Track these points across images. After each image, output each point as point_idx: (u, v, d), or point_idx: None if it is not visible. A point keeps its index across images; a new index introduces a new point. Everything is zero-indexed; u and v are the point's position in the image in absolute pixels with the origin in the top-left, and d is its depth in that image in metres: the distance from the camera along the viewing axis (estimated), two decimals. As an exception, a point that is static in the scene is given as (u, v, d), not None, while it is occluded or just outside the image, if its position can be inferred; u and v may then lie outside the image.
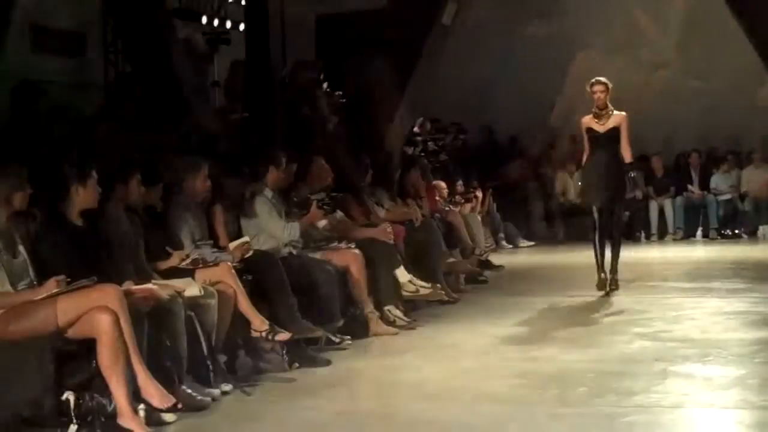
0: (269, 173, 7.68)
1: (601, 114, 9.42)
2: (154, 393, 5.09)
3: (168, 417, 5.19)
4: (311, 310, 7.10)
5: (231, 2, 15.45)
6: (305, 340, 6.84)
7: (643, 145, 16.79)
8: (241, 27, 14.55)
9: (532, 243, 15.76)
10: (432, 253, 9.47)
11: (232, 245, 7.00)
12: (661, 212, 15.94)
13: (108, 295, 5.05)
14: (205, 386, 5.73)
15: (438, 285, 8.97)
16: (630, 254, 13.93)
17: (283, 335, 6.39)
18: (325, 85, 13.24)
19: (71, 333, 5.04)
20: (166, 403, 5.10)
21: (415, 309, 8.78)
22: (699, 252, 14.13)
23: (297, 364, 6.56)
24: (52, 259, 5.41)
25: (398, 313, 8.15)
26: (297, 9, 16.78)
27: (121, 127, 9.14)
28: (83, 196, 5.69)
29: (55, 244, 5.52)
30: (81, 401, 4.92)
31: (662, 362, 6.30)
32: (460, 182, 12.95)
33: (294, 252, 7.67)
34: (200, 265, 6.45)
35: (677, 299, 9.13)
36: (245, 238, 7.15)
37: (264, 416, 5.47)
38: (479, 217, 12.67)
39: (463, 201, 12.48)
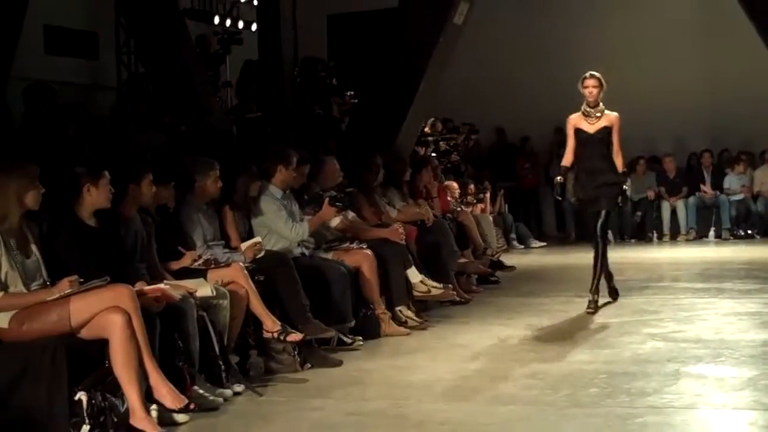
0: (278, 172, 7.68)
1: (591, 112, 8.63)
2: (167, 393, 5.11)
3: (180, 417, 5.22)
4: (323, 311, 7.12)
5: (243, 2, 15.50)
6: (317, 340, 6.86)
7: (655, 146, 16.84)
8: (254, 27, 14.59)
9: (543, 243, 15.76)
10: (443, 254, 9.47)
11: (244, 245, 7.03)
12: (674, 212, 15.93)
13: (121, 295, 5.07)
14: (217, 386, 5.75)
15: (449, 285, 8.98)
16: (642, 255, 14.01)
17: (295, 336, 6.41)
18: (336, 84, 13.28)
19: (84, 333, 5.07)
20: (178, 404, 5.12)
21: (426, 309, 8.79)
22: (711, 252, 14.10)
23: (309, 365, 6.57)
24: (65, 260, 5.44)
25: (410, 313, 8.15)
26: (309, 9, 16.84)
27: (133, 128, 9.17)
28: (95, 197, 5.71)
29: (68, 245, 5.54)
30: (93, 401, 4.94)
31: (674, 363, 6.29)
32: (471, 183, 12.95)
33: (306, 252, 7.69)
34: (212, 266, 6.48)
35: (689, 300, 9.11)
36: (257, 239, 7.18)
37: (276, 416, 5.48)
38: (491, 218, 12.67)
39: (474, 201, 12.47)
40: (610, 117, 8.64)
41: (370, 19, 15.31)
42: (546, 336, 7.50)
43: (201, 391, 5.54)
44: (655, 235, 15.98)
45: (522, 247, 15.40)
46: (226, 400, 5.68)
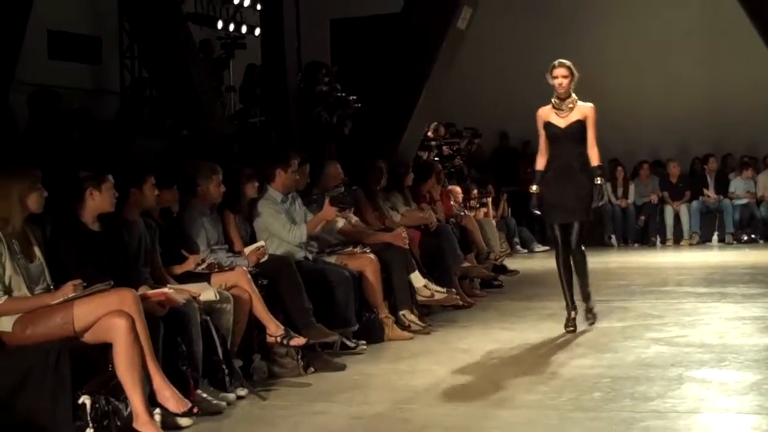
0: (277, 176, 7.68)
1: (562, 105, 7.63)
2: (170, 397, 5.11)
3: (183, 421, 5.21)
4: (326, 315, 7.12)
5: (246, 7, 15.52)
6: (320, 344, 6.86)
7: (658, 151, 16.85)
8: (257, 32, 14.62)
9: (546, 248, 15.71)
10: (447, 258, 9.47)
11: (247, 250, 7.03)
12: (677, 217, 15.92)
13: (124, 299, 5.08)
14: (221, 390, 5.75)
15: (453, 290, 8.98)
16: (645, 259, 14.00)
17: (298, 340, 6.41)
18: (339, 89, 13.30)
19: (88, 337, 5.07)
20: (181, 407, 5.11)
21: (429, 313, 8.80)
22: (715, 257, 14.09)
23: (312, 369, 6.56)
24: (68, 264, 5.45)
25: (413, 317, 8.15)
26: (312, 14, 16.88)
27: (134, 133, 9.17)
28: (98, 201, 5.72)
29: (71, 249, 5.55)
30: (97, 405, 4.94)
31: (678, 367, 6.28)
32: (474, 187, 12.95)
33: (309, 256, 7.69)
34: (216, 270, 6.49)
35: (693, 304, 9.10)
36: (260, 243, 7.18)
37: (279, 421, 5.48)
38: (494, 222, 12.67)
39: (477, 206, 12.47)
40: (584, 109, 7.64)
41: (374, 24, 15.33)
42: (549, 340, 7.49)
43: (204, 395, 5.53)
44: (659, 239, 15.98)
45: (525, 251, 15.39)
46: (229, 404, 5.68)
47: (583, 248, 7.72)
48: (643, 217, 16.08)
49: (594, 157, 7.62)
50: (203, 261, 6.51)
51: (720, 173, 16.15)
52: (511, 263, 12.41)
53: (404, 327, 7.98)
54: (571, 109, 7.63)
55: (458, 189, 12.05)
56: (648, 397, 5.54)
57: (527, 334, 7.77)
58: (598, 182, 7.56)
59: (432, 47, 11.77)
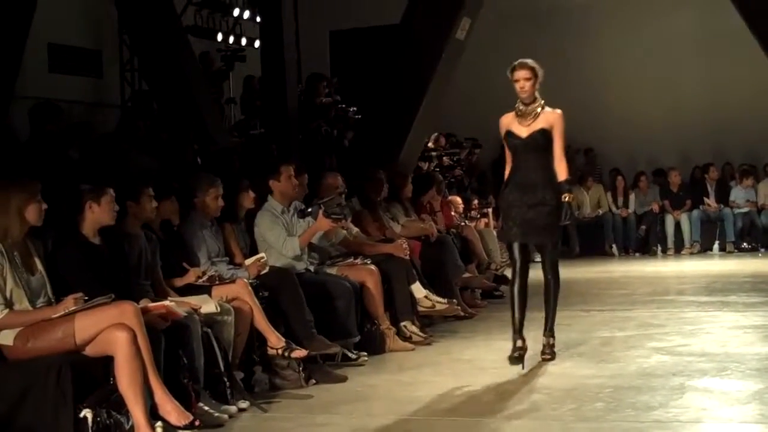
0: (272, 186, 7.67)
1: (525, 112, 6.73)
2: (172, 410, 5.11)
3: (185, 434, 5.21)
4: (327, 326, 7.12)
5: (246, 19, 15.56)
6: (322, 356, 6.86)
7: (659, 160, 16.85)
8: (257, 44, 14.65)
9: (547, 258, 15.73)
10: (447, 269, 9.47)
11: (248, 262, 7.04)
12: (677, 226, 15.91)
13: (125, 312, 5.08)
14: (222, 403, 5.74)
15: (454, 300, 8.98)
16: (646, 268, 13.99)
17: (300, 352, 6.41)
18: (339, 100, 13.31)
19: (89, 350, 5.07)
20: (183, 420, 5.12)
21: (431, 324, 8.80)
22: (716, 266, 14.09)
23: (314, 381, 6.56)
24: (69, 277, 5.46)
25: (414, 328, 8.14)
26: (312, 25, 16.91)
27: (134, 146, 9.17)
28: (98, 214, 5.72)
29: (72, 262, 5.56)
30: (98, 419, 4.94)
31: (680, 377, 6.27)
32: (475, 198, 12.95)
33: (310, 268, 7.69)
34: (216, 282, 6.49)
35: (694, 313, 9.10)
36: (261, 255, 7.18)
37: (281, 433, 5.48)
38: (495, 232, 12.65)
39: (478, 216, 12.47)
40: (550, 116, 6.72)
41: (373, 35, 15.36)
42: (551, 350, 7.47)
43: (206, 408, 5.53)
44: (660, 248, 15.99)
45: (526, 261, 15.35)
46: (230, 416, 5.67)
47: (558, 272, 7.01)
48: (644, 227, 16.09)
49: (562, 172, 6.75)
50: (204, 273, 6.52)
51: (720, 182, 16.16)
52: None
53: (406, 338, 7.97)
54: (536, 116, 6.71)
55: (459, 199, 12.06)
56: (650, 406, 5.53)
57: (529, 344, 7.75)
58: (566, 199, 6.70)
59: (432, 58, 11.78)
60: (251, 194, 7.44)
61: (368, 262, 8.06)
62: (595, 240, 16.19)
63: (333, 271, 7.91)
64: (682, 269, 13.77)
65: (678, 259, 15.34)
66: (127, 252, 6.00)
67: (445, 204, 11.23)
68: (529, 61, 6.71)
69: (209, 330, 5.87)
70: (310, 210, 7.72)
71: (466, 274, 10.12)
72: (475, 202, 12.81)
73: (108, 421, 4.97)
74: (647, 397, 5.74)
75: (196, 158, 9.66)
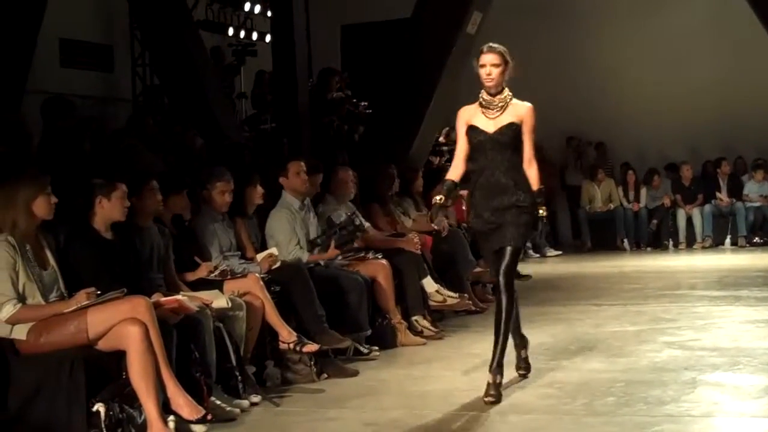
0: (283, 182, 7.67)
1: (491, 103, 5.86)
2: (184, 404, 5.13)
3: (197, 428, 5.22)
4: (339, 321, 7.13)
5: (257, 14, 15.57)
6: (333, 350, 6.86)
7: (670, 154, 16.79)
8: (268, 38, 14.65)
9: (559, 252, 15.74)
10: (459, 263, 9.46)
11: (260, 256, 7.04)
12: (689, 220, 15.87)
13: (138, 306, 5.10)
14: (234, 397, 5.76)
15: (465, 295, 8.98)
16: (658, 263, 13.96)
17: (311, 346, 6.42)
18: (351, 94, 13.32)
19: (101, 345, 5.10)
20: (195, 415, 5.13)
21: (442, 319, 8.79)
22: (727, 260, 14.03)
23: (325, 375, 6.57)
24: (81, 272, 5.47)
25: (426, 323, 8.15)
26: (323, 20, 16.91)
27: (145, 141, 9.18)
28: (108, 209, 5.73)
29: (84, 257, 5.58)
30: (111, 413, 4.97)
31: (691, 371, 6.26)
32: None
33: (321, 263, 7.69)
34: (228, 277, 6.50)
35: (706, 308, 9.07)
36: (272, 249, 7.19)
37: (292, 427, 5.49)
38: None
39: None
40: (519, 109, 5.88)
41: (384, 30, 15.35)
42: (562, 345, 7.48)
43: (218, 402, 5.55)
44: (671, 243, 15.94)
45: (537, 255, 15.37)
46: (242, 410, 5.69)
47: (513, 285, 5.92)
48: (655, 221, 16.04)
49: (533, 178, 5.86)
50: (216, 268, 6.52)
51: (732, 176, 16.10)
52: (523, 268, 12.33)
53: (417, 332, 7.97)
54: (503, 108, 5.85)
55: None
56: (662, 401, 5.53)
57: (540, 338, 7.74)
58: (541, 213, 5.87)
59: (442, 52, 11.77)
60: (260, 189, 7.41)
61: (379, 256, 8.06)
62: (606, 234, 16.16)
63: (344, 265, 7.90)
64: (694, 264, 13.73)
65: (690, 253, 15.29)
66: (139, 246, 6.01)
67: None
68: (499, 47, 5.87)
69: (221, 324, 5.88)
70: (319, 242, 7.71)
71: (477, 269, 10.09)
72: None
73: (120, 415, 4.99)
74: (659, 392, 5.73)
75: (202, 152, 9.68)
